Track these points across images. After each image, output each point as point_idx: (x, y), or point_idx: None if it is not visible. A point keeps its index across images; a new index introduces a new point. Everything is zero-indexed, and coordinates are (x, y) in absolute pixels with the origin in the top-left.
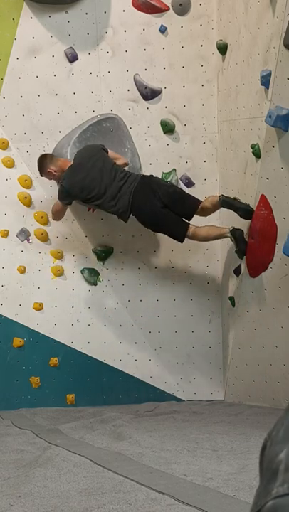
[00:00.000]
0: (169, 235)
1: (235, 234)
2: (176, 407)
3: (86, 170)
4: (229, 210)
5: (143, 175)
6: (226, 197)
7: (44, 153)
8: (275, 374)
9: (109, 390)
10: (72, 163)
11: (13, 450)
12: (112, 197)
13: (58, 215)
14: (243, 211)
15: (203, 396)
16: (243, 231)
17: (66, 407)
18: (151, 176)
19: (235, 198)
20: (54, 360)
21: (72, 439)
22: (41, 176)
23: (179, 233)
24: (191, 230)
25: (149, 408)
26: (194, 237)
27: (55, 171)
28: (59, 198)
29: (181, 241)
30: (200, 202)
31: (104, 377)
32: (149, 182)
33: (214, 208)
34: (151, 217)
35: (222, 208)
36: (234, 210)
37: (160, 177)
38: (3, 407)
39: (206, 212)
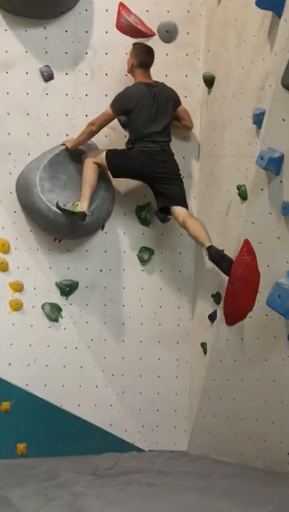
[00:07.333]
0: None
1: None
2: (137, 462)
3: (150, 104)
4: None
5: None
6: (216, 248)
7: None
8: (246, 429)
9: (65, 439)
10: (139, 92)
11: None
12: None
13: (99, 127)
14: (229, 264)
15: (166, 446)
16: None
17: (16, 459)
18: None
19: (223, 250)
20: (5, 405)
21: None
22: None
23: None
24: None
25: (108, 464)
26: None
27: (132, 65)
28: (112, 104)
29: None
30: (183, 209)
31: (60, 425)
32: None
33: (188, 231)
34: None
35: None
36: (220, 264)
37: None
38: None
39: (183, 225)
